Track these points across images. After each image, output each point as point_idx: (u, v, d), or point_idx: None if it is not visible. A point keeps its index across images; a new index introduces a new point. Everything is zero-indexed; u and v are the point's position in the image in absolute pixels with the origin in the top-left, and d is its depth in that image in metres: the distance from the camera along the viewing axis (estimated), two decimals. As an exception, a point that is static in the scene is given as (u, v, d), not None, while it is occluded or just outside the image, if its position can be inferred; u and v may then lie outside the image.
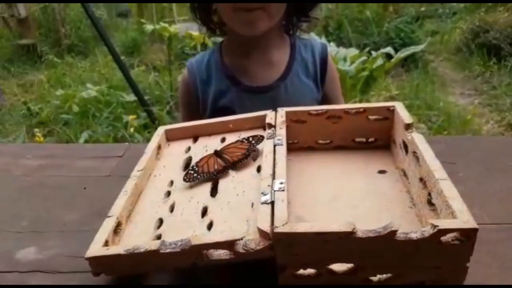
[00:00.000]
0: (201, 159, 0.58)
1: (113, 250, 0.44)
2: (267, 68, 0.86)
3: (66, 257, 0.52)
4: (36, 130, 2.74)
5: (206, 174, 0.56)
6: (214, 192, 0.54)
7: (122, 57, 3.18)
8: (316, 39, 0.91)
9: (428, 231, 0.39)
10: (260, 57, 0.86)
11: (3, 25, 4.48)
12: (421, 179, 0.49)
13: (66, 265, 0.50)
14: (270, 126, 0.60)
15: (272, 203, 0.44)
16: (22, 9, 4.10)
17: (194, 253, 0.42)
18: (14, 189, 0.66)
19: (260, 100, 0.82)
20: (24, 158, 0.75)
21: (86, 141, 2.45)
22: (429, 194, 0.47)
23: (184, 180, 0.56)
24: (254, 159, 0.58)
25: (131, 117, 2.67)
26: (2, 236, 0.56)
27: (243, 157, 0.57)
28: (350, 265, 0.42)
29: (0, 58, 4.18)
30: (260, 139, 0.59)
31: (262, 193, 0.46)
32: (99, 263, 0.44)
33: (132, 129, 2.57)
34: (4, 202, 0.63)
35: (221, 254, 0.42)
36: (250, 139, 0.60)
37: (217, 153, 0.59)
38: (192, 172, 0.56)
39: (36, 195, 0.64)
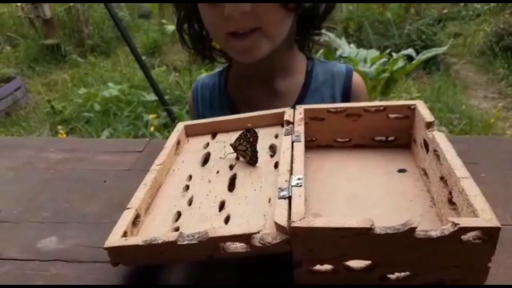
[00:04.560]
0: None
1: (131, 240, 0.44)
2: (273, 100, 0.74)
3: (86, 247, 0.53)
4: (59, 127, 2.81)
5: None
6: (231, 187, 0.54)
7: (144, 57, 3.22)
8: (340, 64, 0.80)
9: (448, 229, 0.38)
10: (265, 87, 0.75)
11: (29, 26, 4.60)
12: (441, 178, 0.49)
13: (85, 254, 0.51)
14: (288, 123, 0.60)
15: (290, 198, 0.44)
16: (47, 10, 4.22)
17: (211, 245, 0.42)
18: (37, 181, 0.68)
19: None
20: (47, 151, 0.76)
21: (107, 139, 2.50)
22: (450, 193, 0.46)
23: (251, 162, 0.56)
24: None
25: (151, 116, 2.72)
26: (24, 226, 0.58)
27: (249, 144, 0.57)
28: (367, 262, 0.42)
29: (26, 57, 4.30)
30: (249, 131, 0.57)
31: (279, 188, 0.46)
32: (117, 253, 0.45)
33: (152, 128, 2.61)
34: (27, 194, 0.65)
35: (238, 247, 0.42)
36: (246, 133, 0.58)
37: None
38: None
39: (58, 187, 0.66)
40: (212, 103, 0.81)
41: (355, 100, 0.77)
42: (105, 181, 0.66)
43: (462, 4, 4.62)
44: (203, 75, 0.87)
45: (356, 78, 0.78)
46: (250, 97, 0.77)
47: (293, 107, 0.63)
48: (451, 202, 0.46)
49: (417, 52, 3.22)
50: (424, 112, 0.56)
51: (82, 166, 0.71)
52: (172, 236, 0.42)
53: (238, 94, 0.78)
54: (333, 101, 0.76)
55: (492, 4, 4.39)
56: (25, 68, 4.19)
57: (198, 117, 0.82)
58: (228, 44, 0.68)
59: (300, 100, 0.75)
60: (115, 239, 0.45)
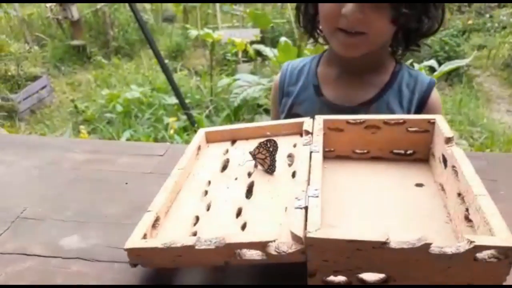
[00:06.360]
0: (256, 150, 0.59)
1: (150, 243, 0.46)
2: (356, 88, 0.82)
3: (106, 247, 0.54)
4: (81, 127, 2.87)
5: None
6: (249, 194, 0.55)
7: (166, 61, 3.28)
8: (425, 75, 0.86)
9: (463, 246, 0.38)
10: (353, 75, 0.82)
11: (57, 27, 4.73)
12: (459, 194, 0.49)
13: (105, 254, 0.53)
14: (307, 133, 0.61)
15: (306, 208, 0.45)
16: (75, 12, 4.33)
17: (228, 251, 0.43)
18: (62, 181, 0.70)
19: None
20: (72, 152, 0.79)
21: (127, 140, 2.54)
22: (467, 209, 0.46)
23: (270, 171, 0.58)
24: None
25: (171, 119, 2.75)
26: (48, 224, 0.60)
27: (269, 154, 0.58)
28: (381, 275, 0.42)
29: (53, 57, 4.42)
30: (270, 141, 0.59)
31: (296, 198, 0.47)
32: (137, 255, 0.46)
33: (172, 131, 2.65)
34: (52, 192, 0.67)
35: (254, 254, 0.43)
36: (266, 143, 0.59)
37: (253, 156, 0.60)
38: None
39: (81, 188, 0.68)
40: (298, 81, 0.88)
41: (428, 112, 0.80)
42: (126, 183, 0.68)
43: (487, 15, 4.54)
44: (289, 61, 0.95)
45: (435, 92, 0.83)
46: (335, 81, 0.84)
47: (313, 118, 0.64)
48: (467, 219, 0.46)
49: (440, 64, 3.18)
50: (443, 127, 0.56)
51: (105, 168, 0.73)
52: (190, 240, 0.44)
53: (325, 76, 0.85)
54: (409, 105, 0.81)
55: (519, 17, 4.31)
56: (51, 67, 4.30)
57: (282, 95, 0.90)
58: (334, 35, 0.75)
59: (380, 95, 0.80)
60: (135, 240, 0.47)
